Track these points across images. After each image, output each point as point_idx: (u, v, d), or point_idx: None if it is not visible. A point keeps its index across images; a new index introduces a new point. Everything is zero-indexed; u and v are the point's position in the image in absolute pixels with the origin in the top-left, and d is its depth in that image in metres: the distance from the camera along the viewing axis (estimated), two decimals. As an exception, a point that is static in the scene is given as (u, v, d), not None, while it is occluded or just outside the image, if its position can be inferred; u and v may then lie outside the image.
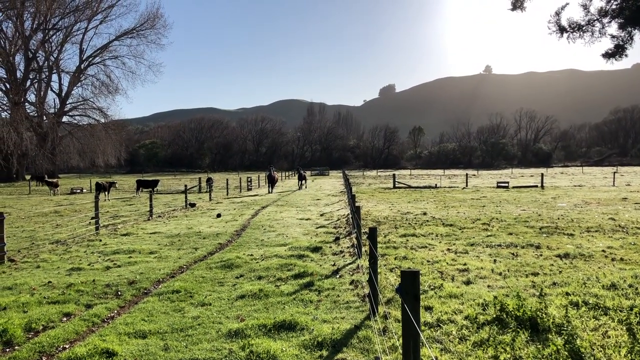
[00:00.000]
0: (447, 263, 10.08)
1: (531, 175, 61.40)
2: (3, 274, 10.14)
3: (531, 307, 6.38)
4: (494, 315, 6.48)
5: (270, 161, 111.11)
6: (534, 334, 5.92)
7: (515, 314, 6.28)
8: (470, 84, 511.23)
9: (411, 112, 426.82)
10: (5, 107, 71.11)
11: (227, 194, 34.35)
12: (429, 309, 7.01)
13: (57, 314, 7.15)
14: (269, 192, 35.44)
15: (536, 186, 37.55)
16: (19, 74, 72.69)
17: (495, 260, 10.29)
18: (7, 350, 5.90)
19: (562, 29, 12.65)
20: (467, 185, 40.44)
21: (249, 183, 42.99)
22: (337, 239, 13.59)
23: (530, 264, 9.87)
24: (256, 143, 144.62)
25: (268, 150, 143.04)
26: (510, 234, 13.91)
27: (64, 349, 5.90)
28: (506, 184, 38.14)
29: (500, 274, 9.13)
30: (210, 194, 31.77)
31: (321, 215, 20.00)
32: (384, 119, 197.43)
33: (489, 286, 8.28)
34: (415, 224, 16.49)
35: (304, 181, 42.09)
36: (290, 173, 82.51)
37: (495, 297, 6.93)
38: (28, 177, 70.11)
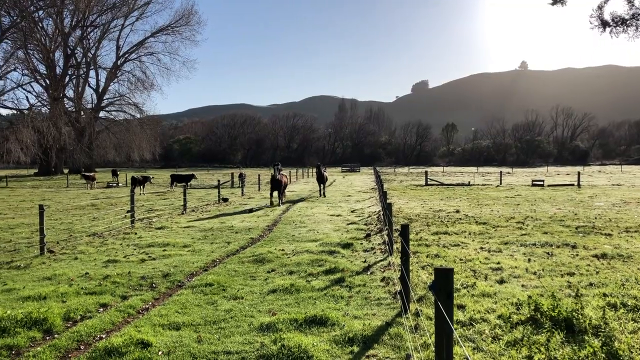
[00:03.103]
0: (480, 261, 9.95)
1: (567, 174, 60.01)
2: (43, 264, 10.46)
3: (567, 308, 6.25)
4: (528, 315, 6.37)
5: (295, 157, 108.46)
6: (569, 335, 5.80)
7: (550, 314, 6.16)
8: (505, 80, 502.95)
9: (444, 108, 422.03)
10: (45, 103, 73.30)
11: (259, 189, 34.60)
12: (461, 307, 6.94)
13: (94, 305, 7.34)
14: (270, 204, 23.05)
15: (572, 185, 36.72)
16: (58, 70, 74.86)
17: (529, 260, 10.11)
18: (48, 338, 6.10)
19: (604, 24, 12.32)
20: (501, 183, 39.79)
21: (281, 179, 43.14)
22: (368, 235, 13.56)
23: (566, 264, 9.65)
24: (288, 139, 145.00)
25: (299, 146, 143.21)
26: (545, 233, 13.63)
27: (101, 338, 6.06)
28: (541, 182, 37.36)
29: (534, 273, 8.96)
30: (242, 189, 32.07)
31: (352, 211, 19.97)
32: (416, 115, 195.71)
33: (523, 285, 8.14)
34: (448, 221, 16.32)
35: (323, 185, 29.07)
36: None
37: (530, 297, 6.82)
38: (66, 170, 72.01)
